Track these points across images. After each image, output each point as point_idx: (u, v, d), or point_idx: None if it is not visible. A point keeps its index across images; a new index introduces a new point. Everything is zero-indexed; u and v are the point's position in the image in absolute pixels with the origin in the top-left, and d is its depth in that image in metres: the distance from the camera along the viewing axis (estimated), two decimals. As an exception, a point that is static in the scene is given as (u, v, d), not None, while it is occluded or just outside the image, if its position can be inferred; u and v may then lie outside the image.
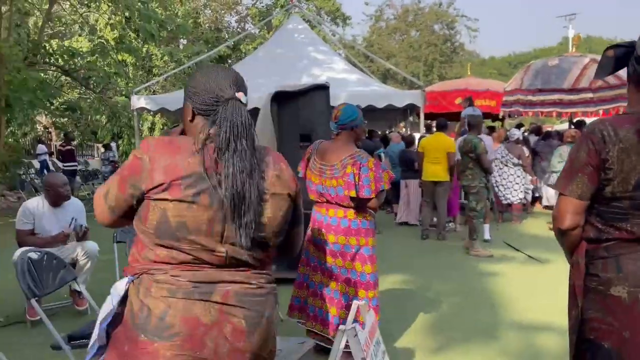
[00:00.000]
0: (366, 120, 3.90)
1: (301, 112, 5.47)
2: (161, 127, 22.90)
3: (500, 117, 12.00)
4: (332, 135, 3.74)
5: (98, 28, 13.85)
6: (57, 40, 14.75)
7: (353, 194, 3.38)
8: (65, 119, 20.46)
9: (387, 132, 14.74)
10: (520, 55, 52.86)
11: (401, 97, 10.65)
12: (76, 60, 11.80)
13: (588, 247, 1.80)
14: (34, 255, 2.93)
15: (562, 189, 1.85)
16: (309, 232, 3.62)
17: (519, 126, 12.48)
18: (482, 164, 6.70)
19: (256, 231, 1.53)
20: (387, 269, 5.83)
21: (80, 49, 13.13)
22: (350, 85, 10.92)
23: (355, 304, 3.18)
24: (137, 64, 17.60)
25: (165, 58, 19.29)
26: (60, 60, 11.52)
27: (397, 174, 9.24)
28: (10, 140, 15.17)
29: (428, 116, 11.94)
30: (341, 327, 2.76)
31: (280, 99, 5.52)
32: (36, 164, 15.42)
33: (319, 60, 11.81)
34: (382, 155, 9.65)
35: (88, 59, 11.71)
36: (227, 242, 1.52)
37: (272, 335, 1.62)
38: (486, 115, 12.10)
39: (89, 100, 15.65)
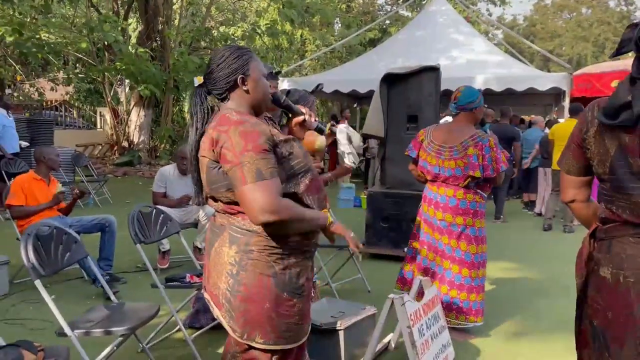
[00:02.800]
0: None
1: (409, 94, 5.57)
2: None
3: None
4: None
5: (255, 14, 14.91)
6: (223, 27, 16.21)
7: (478, 174, 3.50)
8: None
9: (532, 117, 13.89)
10: None
11: (544, 80, 10.01)
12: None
13: (597, 227, 1.79)
14: (42, 231, 2.73)
15: (558, 164, 1.90)
16: (420, 207, 3.82)
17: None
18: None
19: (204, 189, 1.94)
20: (497, 255, 5.72)
21: (234, 35, 14.33)
22: (490, 67, 10.51)
23: (417, 278, 3.34)
24: (292, 48, 18.58)
25: (318, 42, 20.07)
26: (218, 45, 12.70)
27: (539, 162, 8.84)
28: (179, 117, 17.08)
29: (580, 101, 11.04)
30: (390, 295, 2.92)
31: (390, 80, 5.66)
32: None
33: (458, 42, 11.52)
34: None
35: (243, 44, 12.75)
36: None
37: (215, 265, 1.88)
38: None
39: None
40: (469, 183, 3.57)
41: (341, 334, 3.12)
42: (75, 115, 19.60)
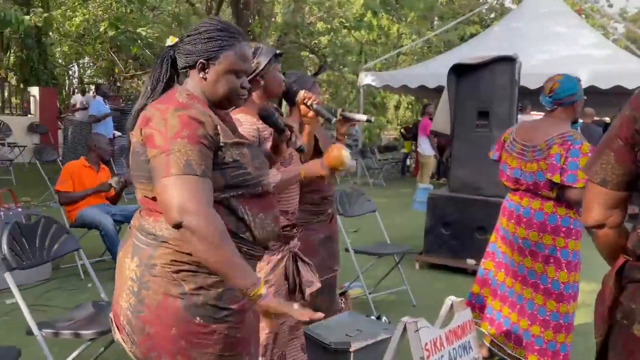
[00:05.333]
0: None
1: (481, 87, 4.98)
2: (406, 105, 23.30)
3: None
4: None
5: (338, 6, 14.61)
6: (321, 22, 16.10)
7: (557, 178, 2.81)
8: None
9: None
10: None
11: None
12: (321, 39, 12.69)
13: (626, 262, 1.26)
14: (29, 219, 2.54)
15: (586, 171, 1.39)
16: (498, 222, 3.22)
17: None
18: None
19: None
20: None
21: (318, 29, 14.11)
22: (596, 63, 9.41)
23: (449, 300, 2.83)
24: (381, 41, 18.09)
25: (414, 37, 19.41)
26: (305, 39, 12.53)
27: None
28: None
29: None
30: (403, 318, 2.47)
31: (459, 71, 5.09)
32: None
33: (560, 34, 10.46)
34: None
35: (328, 38, 12.51)
36: None
37: (118, 279, 1.57)
38: None
39: (322, 77, 16.70)
40: (559, 194, 2.88)
41: (352, 356, 2.72)
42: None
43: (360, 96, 11.95)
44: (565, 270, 2.92)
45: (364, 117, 2.95)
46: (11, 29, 8.39)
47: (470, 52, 10.76)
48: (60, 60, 21.54)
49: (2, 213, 4.45)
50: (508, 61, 4.88)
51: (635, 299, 1.20)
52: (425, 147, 9.76)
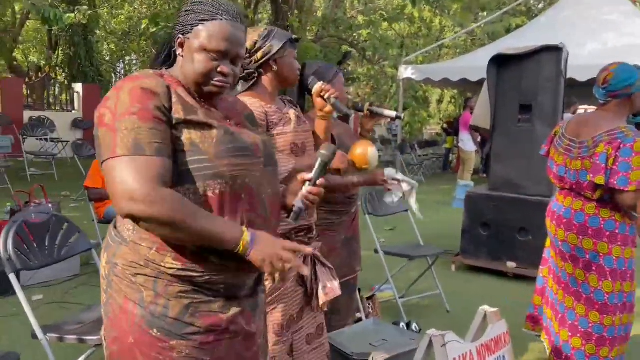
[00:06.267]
0: None
1: (523, 79, 4.68)
2: (449, 99, 22.74)
3: None
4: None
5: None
6: (361, 16, 15.87)
7: (599, 180, 2.51)
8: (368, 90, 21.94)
9: None
10: None
11: None
12: (360, 33, 12.46)
13: None
14: (37, 218, 2.44)
15: None
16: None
17: None
18: None
19: None
20: None
21: (358, 22, 13.86)
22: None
23: (482, 310, 2.60)
24: (423, 34, 17.70)
25: (457, 29, 18.93)
26: (344, 33, 12.33)
27: None
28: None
29: None
30: (429, 331, 2.26)
31: (501, 62, 4.80)
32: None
33: (614, 23, 9.88)
34: None
35: (368, 31, 12.26)
36: None
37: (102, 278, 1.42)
38: None
39: (361, 71, 16.39)
40: (603, 195, 2.59)
41: (374, 368, 2.53)
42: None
43: (400, 90, 11.65)
44: (610, 279, 2.61)
45: (392, 113, 2.75)
46: (50, 25, 8.50)
47: (515, 43, 10.25)
48: (107, 58, 22.03)
49: (32, 208, 4.46)
50: (553, 51, 4.55)
51: None
52: (467, 143, 9.42)
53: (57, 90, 15.67)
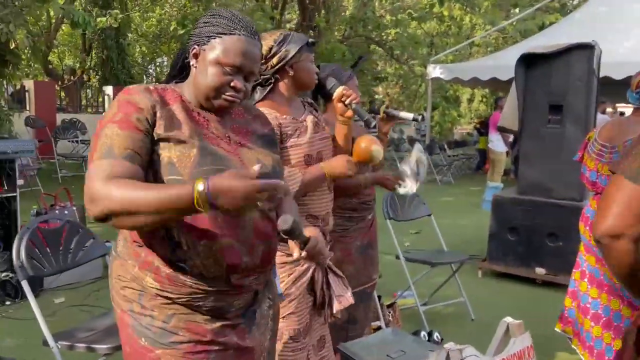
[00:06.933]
0: None
1: (553, 78, 4.51)
2: (480, 98, 22.34)
3: None
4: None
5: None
6: (389, 15, 15.72)
7: None
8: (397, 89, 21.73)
9: None
10: None
11: None
12: (388, 32, 12.29)
13: None
14: (46, 224, 2.45)
15: (614, 167, 1.14)
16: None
17: None
18: None
19: None
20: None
21: (386, 22, 13.70)
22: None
23: (504, 322, 2.49)
24: (452, 32, 17.43)
25: (488, 27, 18.60)
26: (372, 32, 12.19)
27: None
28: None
29: None
30: (446, 345, 2.16)
31: (529, 62, 4.63)
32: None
33: (652, 19, 9.52)
34: None
35: (396, 30, 12.08)
36: None
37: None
38: None
39: (390, 70, 16.19)
40: None
41: (390, 381, 2.44)
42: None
43: (428, 89, 11.48)
44: None
45: (409, 116, 2.67)
46: (83, 29, 8.65)
47: (547, 41, 9.99)
48: (139, 60, 22.38)
49: (57, 211, 4.51)
50: (584, 49, 4.37)
51: None
52: (497, 143, 9.19)
53: (90, 92, 15.98)
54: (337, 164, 2.05)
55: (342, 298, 2.15)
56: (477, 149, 14.06)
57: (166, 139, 1.30)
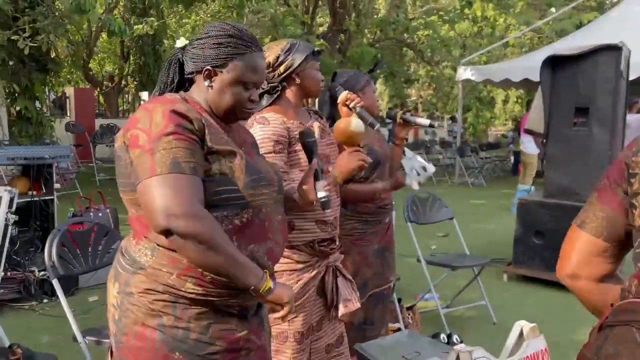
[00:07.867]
0: None
1: (580, 80, 4.46)
2: (515, 99, 21.98)
3: None
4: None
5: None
6: (422, 18, 15.68)
7: None
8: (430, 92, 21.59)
9: None
10: None
11: None
12: (420, 34, 12.30)
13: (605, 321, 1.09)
14: (76, 227, 2.56)
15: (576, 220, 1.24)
16: None
17: None
18: None
19: None
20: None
21: (417, 24, 13.67)
22: None
23: (518, 325, 2.50)
24: (486, 33, 17.20)
25: (522, 27, 18.31)
26: (402, 35, 12.22)
27: None
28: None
29: None
30: (456, 347, 2.20)
31: (556, 64, 4.60)
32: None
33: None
34: None
35: (426, 33, 12.06)
36: None
37: (107, 300, 1.45)
38: None
39: (421, 73, 16.09)
40: None
41: (404, 382, 2.49)
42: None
43: (459, 91, 11.39)
44: None
45: (426, 122, 2.69)
46: (121, 37, 8.94)
47: (582, 40, 9.82)
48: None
49: (91, 214, 4.71)
50: (612, 50, 4.31)
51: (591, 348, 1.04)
52: (529, 145, 9.03)
53: (128, 98, 16.45)
54: (343, 162, 2.02)
55: (349, 302, 2.19)
56: (513, 151, 13.86)
57: (216, 151, 1.36)
